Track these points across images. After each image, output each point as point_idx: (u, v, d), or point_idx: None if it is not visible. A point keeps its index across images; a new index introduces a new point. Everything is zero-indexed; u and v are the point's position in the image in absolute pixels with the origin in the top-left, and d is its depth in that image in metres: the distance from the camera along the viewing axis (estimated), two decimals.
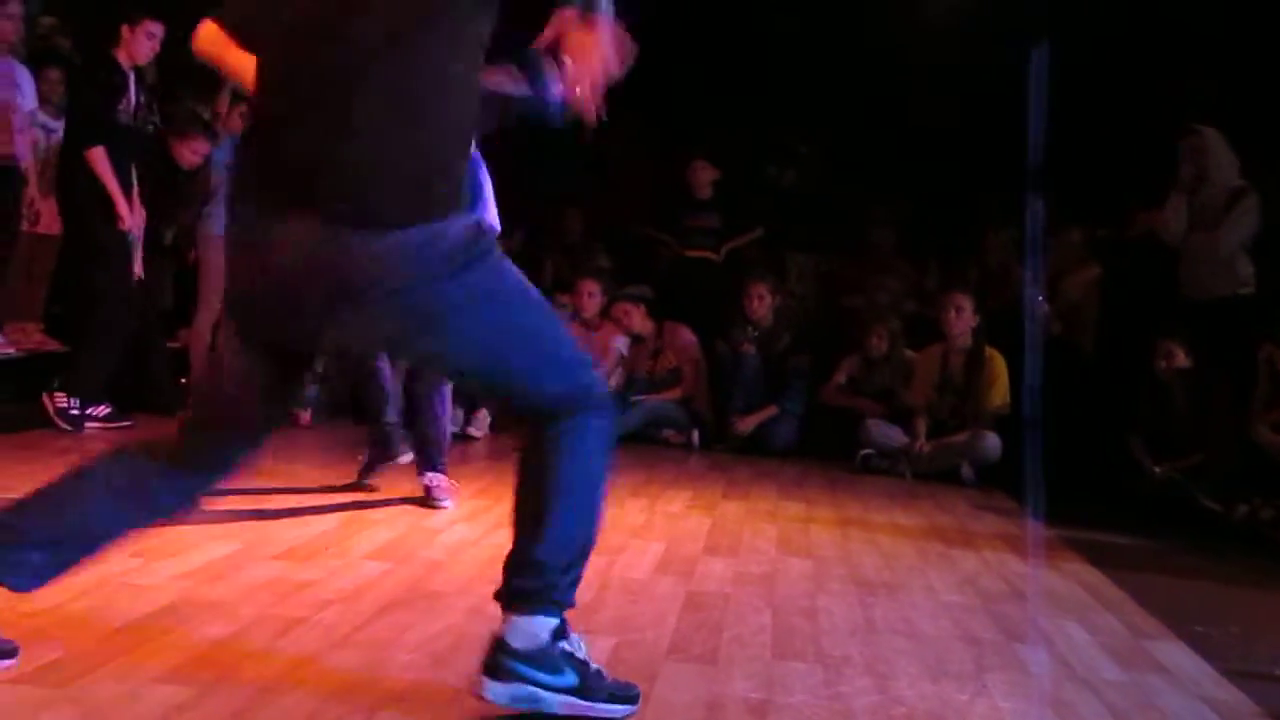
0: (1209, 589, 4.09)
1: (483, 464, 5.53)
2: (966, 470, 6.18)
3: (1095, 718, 2.45)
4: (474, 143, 3.89)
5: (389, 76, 1.91)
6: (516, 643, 2.05)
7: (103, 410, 5.38)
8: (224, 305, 2.21)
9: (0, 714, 1.94)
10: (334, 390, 6.67)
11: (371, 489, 4.33)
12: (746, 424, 6.88)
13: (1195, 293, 5.82)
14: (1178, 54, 7.01)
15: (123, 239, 5.43)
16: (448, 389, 4.20)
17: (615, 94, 2.04)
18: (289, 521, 3.69)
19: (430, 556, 3.38)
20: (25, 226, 6.13)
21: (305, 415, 6.32)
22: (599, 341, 7.10)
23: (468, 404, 6.23)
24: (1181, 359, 5.60)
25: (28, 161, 6.01)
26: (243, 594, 2.78)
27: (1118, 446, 5.76)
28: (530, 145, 4.99)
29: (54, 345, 6.18)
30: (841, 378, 7.08)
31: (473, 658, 2.10)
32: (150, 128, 5.88)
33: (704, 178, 7.89)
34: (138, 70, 5.53)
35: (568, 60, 1.99)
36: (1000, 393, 6.27)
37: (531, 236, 8.02)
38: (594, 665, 2.14)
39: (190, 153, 6.10)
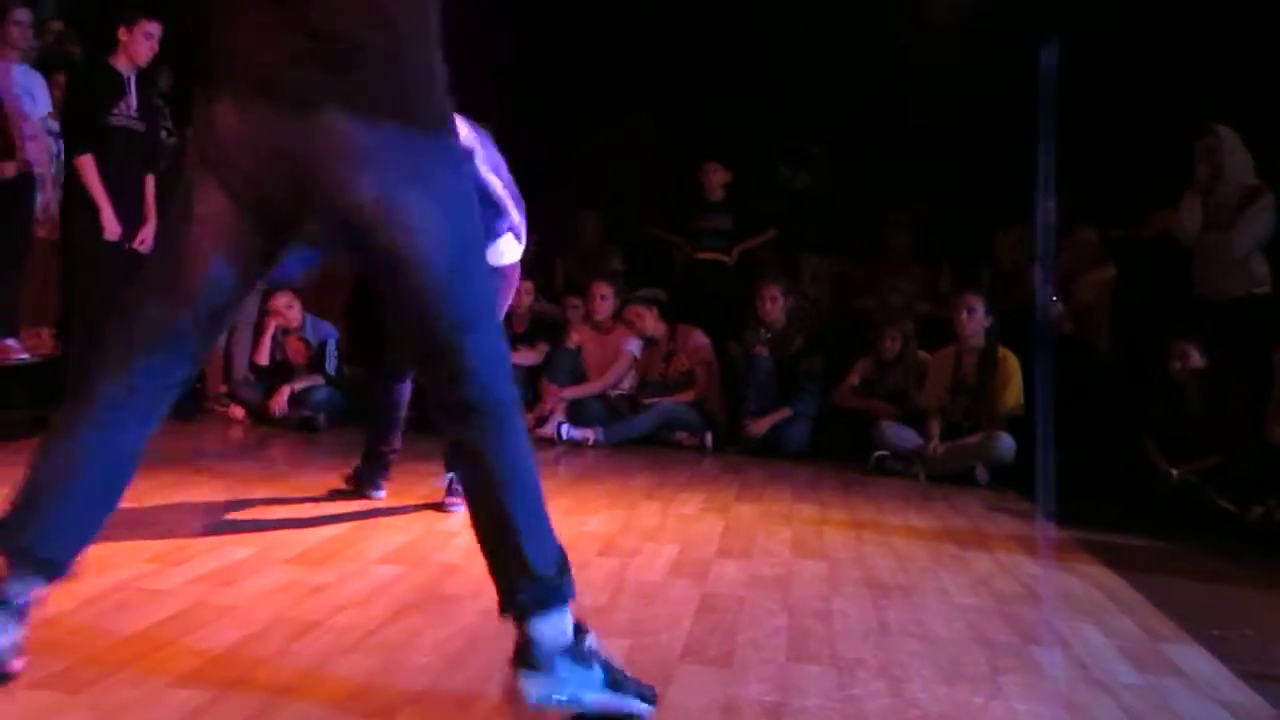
0: (1225, 591, 4.06)
1: None
2: (980, 471, 6.16)
3: None
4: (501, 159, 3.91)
5: None
6: (546, 640, 2.04)
7: None
8: (199, 163, 2.12)
9: None
10: (347, 396, 6.71)
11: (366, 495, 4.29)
12: (759, 426, 6.87)
13: (1210, 293, 5.78)
14: (1192, 52, 6.99)
15: (112, 247, 5.40)
16: None
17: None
18: (302, 526, 3.70)
19: (444, 560, 3.38)
20: (43, 233, 6.14)
21: (320, 418, 6.37)
22: (611, 344, 7.10)
23: None
24: (1196, 360, 5.57)
25: (43, 167, 6.00)
26: (257, 598, 2.78)
27: (1132, 448, 5.74)
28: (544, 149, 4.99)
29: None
30: (855, 379, 7.08)
31: (487, 661, 2.10)
32: (164, 134, 5.88)
33: (716, 180, 7.90)
34: (141, 73, 5.51)
35: None
36: (1014, 394, 6.25)
37: (544, 239, 8.01)
38: (616, 662, 2.14)
39: None
